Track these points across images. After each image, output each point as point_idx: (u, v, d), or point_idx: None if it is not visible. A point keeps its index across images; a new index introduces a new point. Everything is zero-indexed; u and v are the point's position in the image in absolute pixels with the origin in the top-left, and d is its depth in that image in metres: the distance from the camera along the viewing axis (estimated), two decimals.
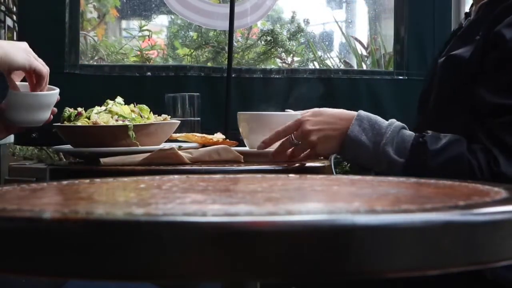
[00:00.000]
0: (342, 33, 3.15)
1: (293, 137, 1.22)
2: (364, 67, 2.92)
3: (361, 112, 1.18)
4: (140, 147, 1.31)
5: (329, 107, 1.34)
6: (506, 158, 1.06)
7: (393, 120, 1.17)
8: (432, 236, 0.44)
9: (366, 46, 2.98)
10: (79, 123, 1.36)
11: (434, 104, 1.23)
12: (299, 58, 3.06)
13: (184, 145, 1.39)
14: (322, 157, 1.33)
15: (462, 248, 0.45)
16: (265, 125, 1.35)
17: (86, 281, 0.47)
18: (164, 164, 1.24)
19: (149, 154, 1.26)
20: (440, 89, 1.22)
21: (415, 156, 1.11)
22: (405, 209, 0.49)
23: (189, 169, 1.20)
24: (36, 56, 1.24)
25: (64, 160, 1.46)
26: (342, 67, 2.95)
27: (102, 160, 1.26)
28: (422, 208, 0.49)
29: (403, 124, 1.16)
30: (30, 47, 1.25)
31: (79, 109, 1.40)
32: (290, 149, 1.25)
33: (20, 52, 1.21)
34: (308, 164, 1.28)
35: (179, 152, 1.26)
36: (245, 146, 1.42)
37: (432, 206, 0.50)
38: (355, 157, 1.19)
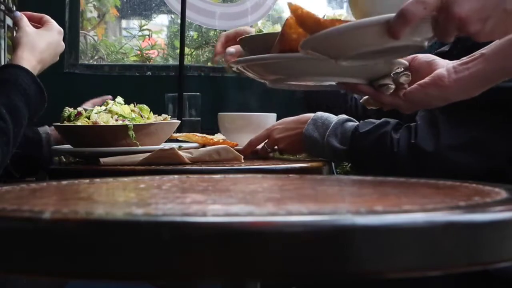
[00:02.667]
0: None
1: (265, 146, 1.39)
2: None
3: (319, 113, 1.31)
4: (140, 147, 1.31)
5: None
6: (424, 131, 1.14)
7: (343, 115, 1.29)
8: (433, 236, 0.44)
9: None
10: (79, 123, 1.36)
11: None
12: None
13: (184, 145, 1.39)
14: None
15: (463, 249, 0.45)
16: (244, 125, 1.50)
17: (86, 281, 0.47)
18: (164, 164, 1.24)
19: (149, 154, 1.26)
20: None
21: (353, 142, 1.23)
22: (406, 209, 0.49)
23: (189, 169, 1.20)
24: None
25: (64, 160, 1.46)
26: None
27: (102, 160, 1.26)
28: (423, 208, 0.49)
29: (348, 117, 1.28)
30: None
31: (79, 108, 1.40)
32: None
33: (51, 51, 1.28)
34: (308, 165, 1.28)
35: (179, 152, 1.26)
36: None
37: (433, 207, 0.49)
38: (312, 152, 1.32)
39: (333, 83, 1.07)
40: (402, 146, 1.16)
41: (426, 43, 0.87)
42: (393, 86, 0.99)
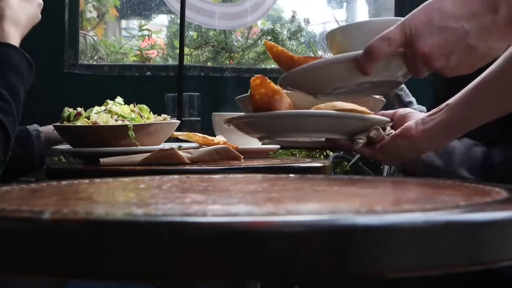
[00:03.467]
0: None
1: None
2: None
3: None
4: (140, 147, 1.31)
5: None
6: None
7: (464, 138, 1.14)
8: (433, 236, 0.44)
9: None
10: (78, 123, 1.36)
11: None
12: None
13: (184, 145, 1.39)
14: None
15: (463, 249, 0.45)
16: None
17: (87, 281, 0.47)
18: (164, 164, 1.24)
19: (149, 154, 1.26)
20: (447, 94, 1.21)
21: (487, 174, 1.09)
22: (406, 209, 0.49)
23: (189, 169, 1.20)
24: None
25: (64, 160, 1.46)
26: None
27: (102, 160, 1.26)
28: (423, 208, 0.49)
29: (473, 141, 1.13)
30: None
31: (79, 109, 1.40)
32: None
33: (27, 11, 1.27)
34: (308, 164, 1.28)
35: (179, 152, 1.26)
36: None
37: (433, 206, 0.49)
38: (425, 175, 1.15)
39: (322, 139, 1.08)
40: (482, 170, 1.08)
41: (401, 79, 0.88)
42: (361, 141, 1.01)
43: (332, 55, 0.96)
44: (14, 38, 1.21)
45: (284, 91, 1.08)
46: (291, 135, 1.10)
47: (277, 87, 1.06)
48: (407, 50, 0.78)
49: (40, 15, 1.31)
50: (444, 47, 0.75)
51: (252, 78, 1.07)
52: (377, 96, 1.23)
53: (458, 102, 0.92)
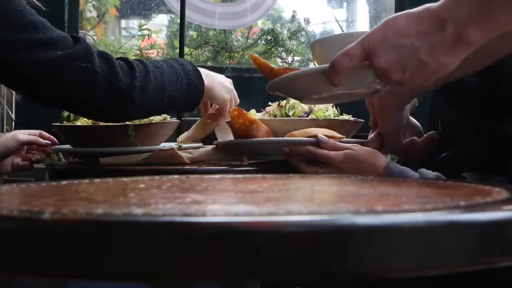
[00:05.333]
0: (343, 32, 3.15)
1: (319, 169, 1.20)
2: None
3: (390, 164, 1.16)
4: (140, 147, 1.31)
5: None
6: None
7: (423, 169, 1.13)
8: (433, 236, 0.44)
9: None
10: (78, 123, 1.36)
11: (442, 126, 1.22)
12: (299, 58, 3.06)
13: (185, 145, 1.39)
14: None
15: (464, 249, 0.45)
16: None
17: (87, 282, 0.47)
18: (164, 164, 1.24)
19: (149, 154, 1.26)
20: (445, 109, 1.21)
21: None
22: (406, 209, 0.49)
23: (189, 169, 1.20)
24: (235, 94, 1.41)
25: (64, 160, 1.46)
26: None
27: (102, 159, 1.26)
28: (423, 208, 0.49)
29: (437, 173, 1.12)
30: None
31: None
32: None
33: (222, 89, 1.36)
34: None
35: (179, 152, 1.26)
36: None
37: (433, 206, 0.49)
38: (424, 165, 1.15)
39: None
40: None
41: (379, 86, 0.93)
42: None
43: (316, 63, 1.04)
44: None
45: (262, 118, 1.29)
46: (267, 157, 1.26)
47: (253, 117, 1.24)
48: (368, 63, 0.84)
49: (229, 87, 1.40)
50: (399, 62, 0.81)
51: (231, 110, 1.25)
52: (352, 119, 1.35)
53: None
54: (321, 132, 1.20)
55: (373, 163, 1.16)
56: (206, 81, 1.29)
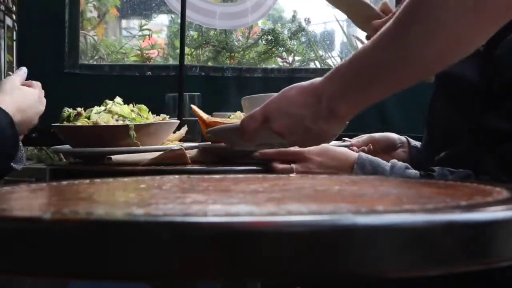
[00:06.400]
0: (344, 32, 3.15)
1: (292, 165, 1.25)
2: None
3: (362, 154, 1.22)
4: (141, 147, 1.31)
5: None
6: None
7: (395, 161, 1.18)
8: (434, 236, 0.44)
9: None
10: (78, 123, 1.36)
11: (439, 124, 1.22)
12: (300, 58, 3.06)
13: (185, 144, 1.39)
14: None
15: (464, 248, 0.45)
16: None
17: (88, 282, 0.47)
18: (164, 164, 1.24)
19: (160, 153, 1.26)
20: (443, 109, 1.21)
21: None
22: (407, 209, 0.49)
23: (189, 169, 1.20)
24: (42, 95, 1.24)
25: (64, 160, 1.46)
26: None
27: (114, 157, 1.26)
28: (423, 208, 0.49)
29: (406, 164, 1.16)
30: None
31: (79, 109, 1.39)
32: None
33: (35, 113, 1.21)
34: None
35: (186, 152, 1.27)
36: None
37: (434, 206, 0.49)
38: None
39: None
40: None
41: (287, 142, 1.02)
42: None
43: None
44: (5, 105, 1.13)
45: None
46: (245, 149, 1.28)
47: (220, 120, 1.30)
48: None
49: (40, 109, 1.24)
50: (290, 128, 0.94)
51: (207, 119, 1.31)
52: None
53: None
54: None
55: (344, 153, 1.24)
56: (14, 113, 1.13)
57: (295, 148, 1.21)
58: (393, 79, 0.84)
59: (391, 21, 0.80)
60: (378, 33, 0.81)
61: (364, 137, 1.45)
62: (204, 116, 1.23)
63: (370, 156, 1.19)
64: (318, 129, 0.92)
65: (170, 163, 1.24)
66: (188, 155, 1.28)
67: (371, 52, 0.84)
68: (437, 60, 0.80)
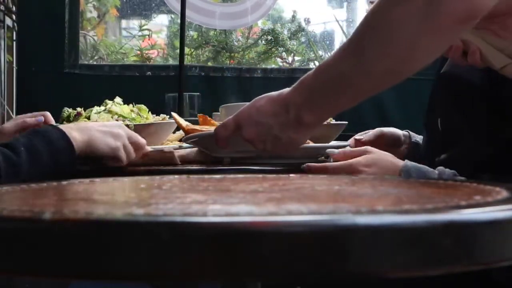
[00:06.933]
0: (343, 32, 3.15)
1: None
2: None
3: (407, 162, 1.16)
4: None
5: None
6: None
7: (442, 168, 1.13)
8: (434, 236, 0.44)
9: None
10: None
11: (441, 126, 1.21)
12: (300, 58, 3.06)
13: (185, 144, 1.39)
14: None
15: (464, 248, 0.45)
16: None
17: (89, 282, 0.47)
18: (164, 165, 1.24)
19: (149, 151, 1.26)
20: (446, 111, 1.20)
21: None
22: (407, 209, 0.49)
23: (189, 169, 1.20)
24: (131, 135, 1.21)
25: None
26: None
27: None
28: (423, 208, 0.49)
29: (454, 171, 1.12)
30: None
31: (79, 109, 1.39)
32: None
33: (107, 138, 1.17)
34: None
35: (175, 152, 1.27)
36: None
37: (434, 206, 0.49)
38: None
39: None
40: None
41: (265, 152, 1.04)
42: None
43: None
44: (67, 128, 1.13)
45: None
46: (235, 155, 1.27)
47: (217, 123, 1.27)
48: None
49: (119, 132, 1.20)
50: (260, 136, 0.98)
51: (199, 114, 1.32)
52: (335, 122, 1.39)
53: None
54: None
55: (391, 161, 1.18)
56: (79, 137, 1.13)
57: (342, 163, 1.16)
58: (354, 90, 0.87)
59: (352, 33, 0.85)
60: (340, 45, 0.86)
61: (373, 131, 1.43)
62: (184, 123, 1.25)
63: (416, 164, 1.14)
64: (286, 137, 0.96)
65: (162, 164, 1.24)
66: (188, 155, 1.28)
67: (333, 64, 0.88)
68: (394, 70, 0.83)
